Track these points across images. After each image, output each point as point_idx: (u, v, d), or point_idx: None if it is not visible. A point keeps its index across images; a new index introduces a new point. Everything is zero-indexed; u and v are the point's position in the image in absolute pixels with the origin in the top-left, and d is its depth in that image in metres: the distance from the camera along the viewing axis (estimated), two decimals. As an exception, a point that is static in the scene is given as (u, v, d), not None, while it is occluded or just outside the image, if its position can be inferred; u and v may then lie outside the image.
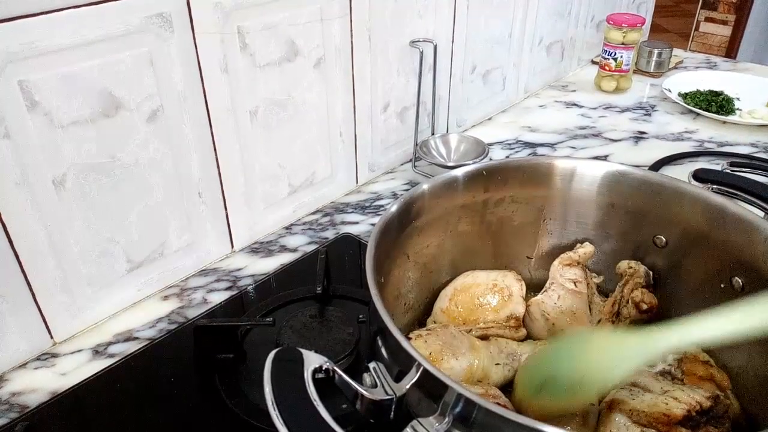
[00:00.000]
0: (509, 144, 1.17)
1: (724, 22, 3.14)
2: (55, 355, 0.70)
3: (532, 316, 0.65)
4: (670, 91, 1.32)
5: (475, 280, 0.67)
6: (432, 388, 0.42)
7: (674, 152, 1.11)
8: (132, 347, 0.71)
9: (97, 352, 0.70)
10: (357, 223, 0.93)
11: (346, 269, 0.83)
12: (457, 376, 0.56)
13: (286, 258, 0.86)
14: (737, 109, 1.27)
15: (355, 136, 0.97)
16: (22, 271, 0.64)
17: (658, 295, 0.65)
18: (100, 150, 0.66)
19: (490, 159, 1.01)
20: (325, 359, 0.44)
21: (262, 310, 0.74)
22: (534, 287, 0.69)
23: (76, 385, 0.65)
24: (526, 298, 0.66)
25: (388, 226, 0.57)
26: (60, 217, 0.65)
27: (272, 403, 0.39)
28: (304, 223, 0.93)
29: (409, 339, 0.54)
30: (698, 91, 1.32)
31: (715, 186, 0.69)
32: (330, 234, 0.90)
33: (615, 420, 0.51)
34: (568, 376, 0.49)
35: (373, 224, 0.92)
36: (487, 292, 0.66)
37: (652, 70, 1.47)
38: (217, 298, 0.78)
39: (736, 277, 0.58)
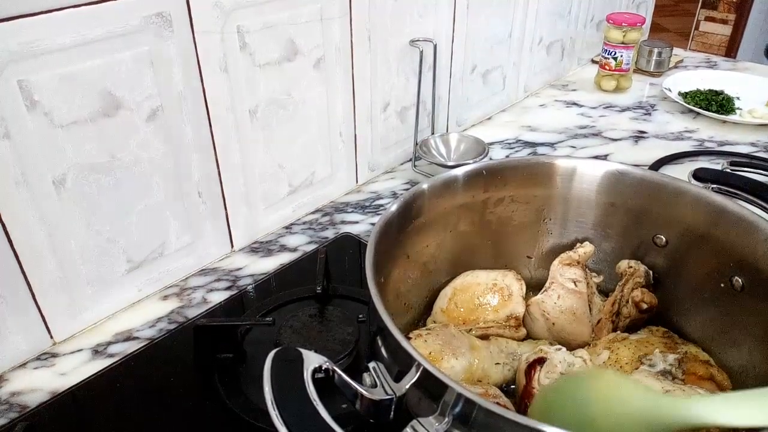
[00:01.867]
0: (509, 143, 1.17)
1: (724, 22, 3.14)
2: (54, 355, 0.70)
3: (532, 316, 0.65)
4: (670, 90, 1.32)
5: (475, 279, 0.67)
6: (432, 388, 0.42)
7: (674, 151, 1.11)
8: (132, 347, 0.71)
9: (97, 351, 0.70)
10: (357, 222, 0.93)
11: (346, 269, 0.83)
12: (457, 376, 0.56)
13: (285, 258, 0.86)
14: (737, 108, 1.27)
15: (355, 135, 0.97)
16: (22, 271, 0.64)
17: (658, 295, 0.65)
18: (100, 150, 0.66)
19: (490, 158, 1.01)
20: (325, 359, 0.44)
21: (261, 309, 0.74)
22: (534, 287, 0.69)
23: (75, 385, 0.65)
24: (526, 298, 0.66)
25: (388, 225, 0.57)
26: (60, 217, 0.65)
27: (272, 403, 0.39)
28: (303, 223, 0.93)
29: (408, 339, 0.54)
30: (698, 90, 1.32)
31: (715, 185, 0.69)
32: (330, 234, 0.90)
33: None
34: (583, 413, 0.48)
35: (373, 224, 0.92)
36: (487, 291, 0.66)
37: (652, 70, 1.46)
38: (217, 297, 0.78)
39: (736, 277, 0.58)
